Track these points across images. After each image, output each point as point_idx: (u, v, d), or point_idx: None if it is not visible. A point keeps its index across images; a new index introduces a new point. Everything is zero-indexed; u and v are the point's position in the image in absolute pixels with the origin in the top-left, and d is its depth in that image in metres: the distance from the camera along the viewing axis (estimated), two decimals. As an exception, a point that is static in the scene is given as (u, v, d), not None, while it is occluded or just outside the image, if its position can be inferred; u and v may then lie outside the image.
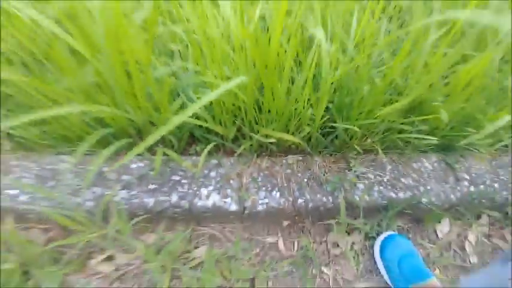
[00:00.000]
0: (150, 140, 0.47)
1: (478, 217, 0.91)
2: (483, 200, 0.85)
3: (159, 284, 0.72)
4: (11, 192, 0.72)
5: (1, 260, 0.70)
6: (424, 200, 0.80)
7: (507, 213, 0.91)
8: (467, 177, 0.86)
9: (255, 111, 0.73)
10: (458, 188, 0.84)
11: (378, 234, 0.83)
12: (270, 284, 0.76)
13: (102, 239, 0.74)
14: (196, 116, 0.73)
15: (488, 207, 0.89)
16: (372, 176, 0.81)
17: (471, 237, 0.87)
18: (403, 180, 0.83)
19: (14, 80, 0.58)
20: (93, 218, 0.72)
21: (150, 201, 0.74)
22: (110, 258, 0.76)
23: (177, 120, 0.48)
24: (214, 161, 0.81)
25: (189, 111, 0.48)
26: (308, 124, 0.74)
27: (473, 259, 0.84)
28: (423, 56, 0.67)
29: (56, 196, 0.71)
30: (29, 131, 0.74)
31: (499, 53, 0.74)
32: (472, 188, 0.84)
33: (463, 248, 0.85)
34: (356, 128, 0.70)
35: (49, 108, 0.53)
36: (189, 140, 0.83)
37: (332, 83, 0.72)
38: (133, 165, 0.78)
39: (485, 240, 0.88)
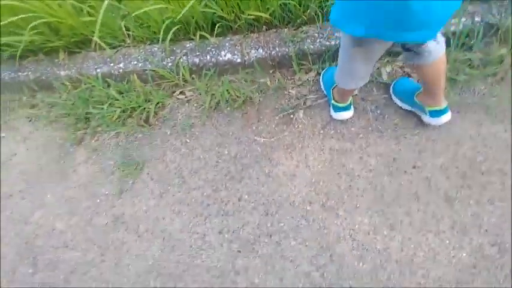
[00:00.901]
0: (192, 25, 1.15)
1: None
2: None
3: (205, 103, 1.47)
4: (133, 62, 1.53)
5: (135, 100, 1.52)
6: (348, 45, 1.35)
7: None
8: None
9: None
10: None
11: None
12: (261, 99, 1.45)
13: (177, 83, 1.51)
14: (214, 9, 1.38)
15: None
16: (316, 34, 1.38)
17: (388, 68, 1.39)
18: (336, 34, 1.37)
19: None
20: (173, 72, 1.49)
21: (196, 60, 1.47)
22: (182, 93, 1.54)
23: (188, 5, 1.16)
24: (227, 38, 1.48)
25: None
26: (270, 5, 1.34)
27: (385, 78, 1.37)
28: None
29: (155, 61, 1.48)
30: (137, 30, 1.51)
31: None
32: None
33: (379, 75, 1.39)
34: (294, 2, 1.27)
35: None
36: (213, 27, 1.50)
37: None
38: (187, 44, 1.50)
39: (398, 69, 1.39)
